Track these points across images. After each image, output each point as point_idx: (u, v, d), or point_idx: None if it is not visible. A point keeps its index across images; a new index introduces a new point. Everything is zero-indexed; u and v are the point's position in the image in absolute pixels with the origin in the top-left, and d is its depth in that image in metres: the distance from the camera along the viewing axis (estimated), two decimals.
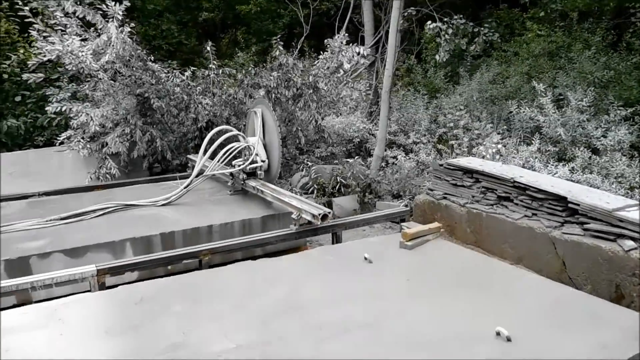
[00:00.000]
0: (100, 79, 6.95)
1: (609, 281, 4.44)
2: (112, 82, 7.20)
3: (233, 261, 4.42)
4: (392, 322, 2.93)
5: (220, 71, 8.66)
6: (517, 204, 5.40)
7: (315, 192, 7.56)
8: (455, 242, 5.91)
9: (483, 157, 6.87)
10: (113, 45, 6.77)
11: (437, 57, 7.94)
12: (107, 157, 7.33)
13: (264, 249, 4.98)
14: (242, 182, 5.60)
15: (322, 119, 7.95)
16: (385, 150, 8.61)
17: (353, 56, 7.67)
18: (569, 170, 6.73)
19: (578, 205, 4.77)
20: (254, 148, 5.59)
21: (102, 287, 3.81)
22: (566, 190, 4.95)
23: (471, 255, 3.95)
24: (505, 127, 8.58)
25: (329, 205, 7.38)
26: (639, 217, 4.38)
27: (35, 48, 6.54)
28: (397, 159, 8.25)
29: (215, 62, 8.52)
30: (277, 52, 8.09)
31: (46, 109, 7.04)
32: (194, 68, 8.69)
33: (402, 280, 3.46)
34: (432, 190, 6.43)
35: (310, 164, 7.78)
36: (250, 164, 5.66)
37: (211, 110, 7.93)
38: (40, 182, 6.93)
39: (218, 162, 5.50)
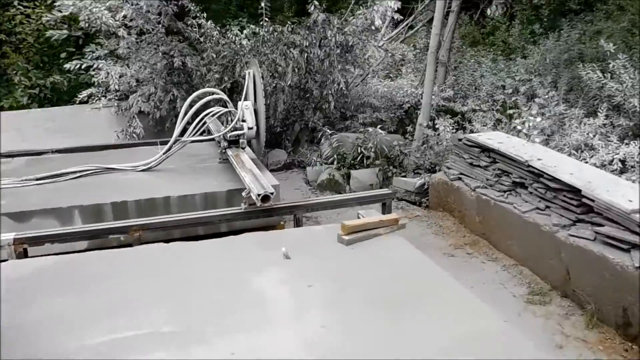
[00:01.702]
0: (120, 36, 6.84)
1: (615, 302, 3.45)
2: (134, 39, 7.08)
3: (176, 239, 4.09)
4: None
5: (272, 29, 8.10)
6: (531, 193, 4.44)
7: (335, 162, 6.94)
8: (444, 237, 5.08)
9: (520, 133, 5.77)
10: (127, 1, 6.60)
11: (488, 10, 6.76)
12: (134, 116, 7.29)
13: (230, 225, 4.57)
14: (223, 151, 5.20)
15: (347, 82, 7.19)
16: (436, 119, 7.69)
17: (387, 11, 6.75)
18: None
19: (593, 201, 3.74)
20: (236, 113, 5.12)
21: (21, 256, 3.69)
22: (585, 181, 3.90)
23: (416, 261, 3.13)
24: (574, 96, 7.21)
25: (348, 177, 6.76)
26: None
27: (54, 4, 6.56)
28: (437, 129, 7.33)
29: (267, 20, 8.00)
30: (312, 7, 7.42)
31: (65, 66, 7.12)
32: (252, 26, 8.21)
33: (301, 286, 2.83)
34: (449, 168, 5.57)
35: (330, 131, 7.12)
36: (234, 130, 5.23)
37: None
38: (72, 138, 7.06)
39: (194, 128, 5.13)
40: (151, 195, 4.59)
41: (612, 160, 5.40)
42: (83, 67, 6.92)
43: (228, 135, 5.14)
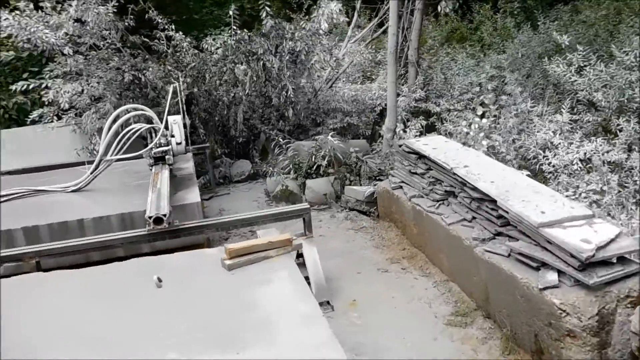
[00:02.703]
0: (66, 54, 6.74)
1: (528, 326, 3.12)
2: (82, 56, 6.96)
3: (95, 262, 3.92)
4: None
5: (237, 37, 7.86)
6: (460, 203, 4.12)
7: (291, 172, 6.69)
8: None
9: (467, 135, 5.43)
10: (71, 18, 6.47)
11: (439, 7, 6.42)
12: (95, 133, 7.16)
13: (152, 246, 4.37)
14: (150, 168, 5.01)
15: (294, 89, 6.92)
16: (409, 121, 7.39)
17: (333, 14, 6.46)
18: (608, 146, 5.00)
19: (507, 212, 3.42)
20: (159, 130, 4.91)
21: None
22: (503, 190, 3.58)
23: (289, 287, 2.85)
24: (541, 90, 6.82)
25: (304, 188, 6.50)
26: (579, 237, 2.96)
27: None
28: (405, 132, 7.03)
29: (234, 28, 7.76)
30: (264, 14, 7.20)
31: (11, 87, 7.05)
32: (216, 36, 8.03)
33: (150, 320, 2.60)
34: (393, 177, 5.28)
35: (283, 140, 6.87)
36: (160, 146, 5.04)
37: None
38: (36, 158, 7.00)
39: (117, 146, 4.95)
40: (68, 217, 4.43)
41: (572, 161, 5.05)
42: (30, 87, 6.82)
43: (154, 150, 4.95)
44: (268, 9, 7.21)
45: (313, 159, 6.49)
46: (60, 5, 6.80)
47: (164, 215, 3.61)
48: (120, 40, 7.35)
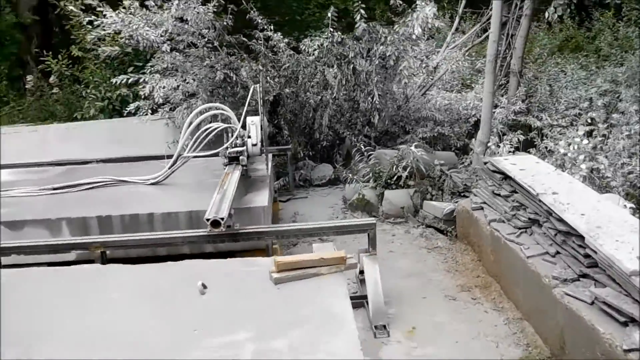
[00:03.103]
0: (163, 51, 6.99)
1: None
2: (179, 54, 7.19)
3: (161, 256, 3.99)
4: None
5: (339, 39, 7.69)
6: (544, 233, 3.66)
7: (371, 181, 6.43)
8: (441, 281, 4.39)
9: (564, 156, 4.86)
10: (172, 16, 6.69)
11: (546, 13, 5.82)
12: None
13: (216, 247, 4.35)
14: (224, 168, 5.01)
15: (380, 95, 6.60)
16: (505, 135, 6.91)
17: (427, 18, 6.06)
18: None
19: (595, 252, 2.95)
20: (236, 130, 4.88)
21: None
22: (594, 225, 3.09)
23: (329, 311, 2.63)
24: None
25: (382, 198, 6.23)
26: None
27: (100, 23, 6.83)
28: (499, 147, 6.54)
29: (332, 30, 7.63)
30: (358, 17, 6.99)
31: (112, 80, 7.43)
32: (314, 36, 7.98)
33: (187, 329, 2.51)
34: (475, 195, 4.86)
35: (365, 147, 6.61)
36: (235, 146, 5.01)
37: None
38: (130, 148, 7.38)
39: (194, 144, 4.99)
40: (140, 210, 4.53)
41: None
42: (130, 81, 7.15)
43: (228, 151, 4.94)
44: (362, 11, 7.00)
45: (394, 169, 6.19)
46: (164, 4, 7.09)
47: (222, 218, 3.53)
48: (217, 39, 7.51)
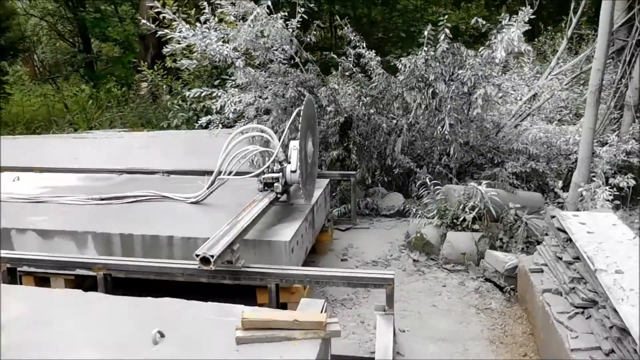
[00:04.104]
0: (237, 66, 6.89)
1: None
2: (252, 70, 7.05)
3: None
4: None
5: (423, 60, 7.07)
6: (601, 322, 2.84)
7: (436, 218, 5.73)
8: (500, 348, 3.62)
9: None
10: (244, 32, 6.56)
11: None
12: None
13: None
14: (260, 192, 4.66)
15: (451, 124, 5.81)
16: (611, 178, 5.91)
17: (513, 41, 5.19)
18: None
19: None
20: (274, 155, 4.51)
21: (4, 275, 3.80)
22: None
23: None
24: None
25: (444, 239, 5.53)
26: None
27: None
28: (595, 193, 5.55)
29: (426, 50, 7.01)
30: (443, 36, 6.32)
31: (185, 93, 7.45)
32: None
33: None
34: (540, 254, 4.05)
35: (430, 180, 5.88)
36: (271, 172, 4.64)
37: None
38: (202, 160, 7.44)
39: (228, 165, 4.70)
40: (160, 232, 4.34)
41: None
42: (203, 95, 7.14)
43: (262, 176, 4.62)
44: (448, 30, 6.34)
45: (459, 209, 5.46)
46: (242, 20, 7.02)
47: (212, 256, 3.19)
48: (297, 55, 7.29)
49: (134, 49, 13.32)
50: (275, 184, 4.58)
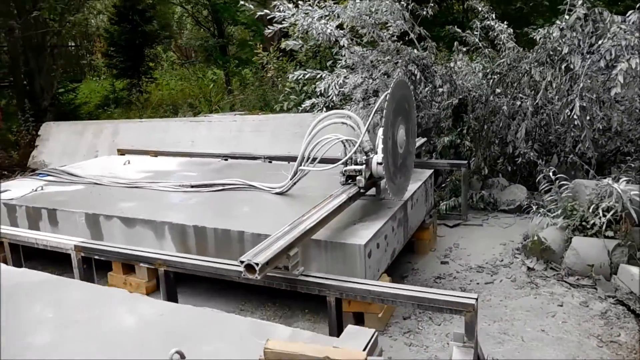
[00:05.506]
0: (342, 45, 6.38)
1: None
2: (358, 48, 6.47)
3: None
4: None
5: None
6: None
7: (562, 218, 4.74)
8: None
9: None
10: (350, 9, 6.02)
11: None
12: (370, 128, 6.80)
13: None
14: (342, 185, 4.13)
15: (583, 108, 4.61)
16: None
17: None
18: None
19: None
20: (357, 144, 3.94)
21: (80, 262, 3.81)
22: None
23: None
24: None
25: (568, 245, 4.58)
26: None
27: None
28: None
29: (567, 18, 5.92)
30: (581, 1, 5.15)
31: (289, 76, 7.06)
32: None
33: None
34: None
35: (555, 173, 4.83)
36: (354, 163, 4.08)
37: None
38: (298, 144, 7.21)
39: (309, 155, 4.24)
40: (233, 226, 4.08)
41: None
42: (306, 77, 6.77)
43: (344, 169, 4.13)
44: None
45: (590, 210, 4.46)
46: None
47: (256, 264, 2.82)
48: (410, 30, 6.61)
49: (261, 31, 13.49)
50: (358, 177, 4.07)
